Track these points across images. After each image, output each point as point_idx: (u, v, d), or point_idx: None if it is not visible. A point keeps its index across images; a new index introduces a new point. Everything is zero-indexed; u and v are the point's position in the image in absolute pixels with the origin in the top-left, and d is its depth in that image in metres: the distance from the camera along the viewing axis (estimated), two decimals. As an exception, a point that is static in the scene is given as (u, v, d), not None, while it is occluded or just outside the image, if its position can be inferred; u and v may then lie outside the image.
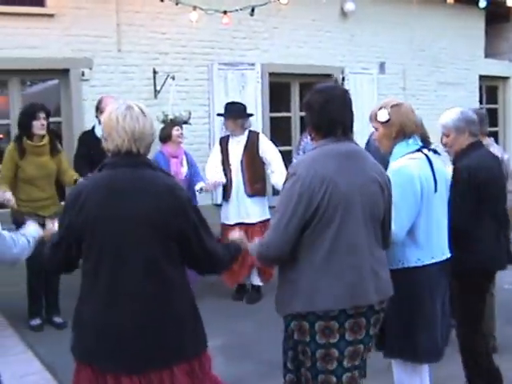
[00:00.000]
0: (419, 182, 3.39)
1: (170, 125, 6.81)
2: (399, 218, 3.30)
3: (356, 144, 3.11)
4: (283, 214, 2.90)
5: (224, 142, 6.82)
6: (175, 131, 6.63)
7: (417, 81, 10.75)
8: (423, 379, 3.66)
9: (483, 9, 10.03)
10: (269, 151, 6.71)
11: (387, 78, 10.28)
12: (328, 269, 2.87)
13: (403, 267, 3.43)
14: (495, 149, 5.02)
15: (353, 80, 9.71)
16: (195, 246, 2.70)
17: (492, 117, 12.33)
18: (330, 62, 9.52)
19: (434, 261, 3.49)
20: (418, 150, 3.51)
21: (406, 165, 3.42)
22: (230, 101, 7.15)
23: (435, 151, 3.63)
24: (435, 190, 3.49)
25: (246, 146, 6.72)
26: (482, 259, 4.07)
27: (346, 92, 3.15)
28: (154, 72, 7.82)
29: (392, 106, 3.51)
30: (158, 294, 2.62)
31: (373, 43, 10.07)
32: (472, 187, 4.01)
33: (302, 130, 8.56)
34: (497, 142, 11.92)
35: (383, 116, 3.51)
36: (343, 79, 9.62)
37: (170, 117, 7.31)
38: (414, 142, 3.53)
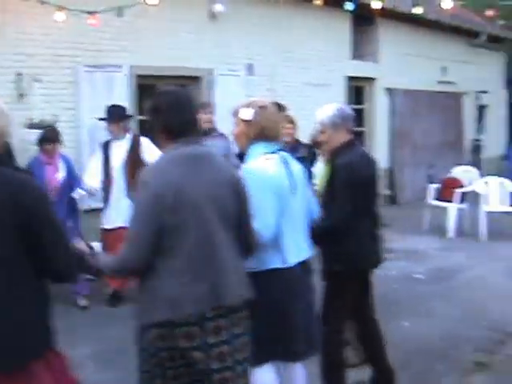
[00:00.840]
0: (275, 182, 3.49)
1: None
2: (262, 217, 3.39)
3: (206, 146, 3.21)
4: (135, 225, 2.96)
5: (105, 147, 7.00)
6: None
7: (284, 82, 11.25)
8: (295, 377, 3.84)
9: (349, 11, 10.71)
10: (151, 154, 6.79)
11: (255, 79, 10.70)
12: (186, 274, 2.93)
13: (265, 269, 3.51)
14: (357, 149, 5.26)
15: (221, 82, 10.07)
16: (43, 247, 2.67)
17: (358, 117, 13.20)
18: (199, 64, 9.77)
19: (295, 261, 3.60)
20: (275, 152, 3.61)
21: (260, 165, 3.51)
22: (110, 104, 7.25)
23: (293, 153, 3.78)
24: (293, 191, 3.60)
25: (128, 149, 6.95)
26: (357, 258, 4.24)
27: (191, 94, 3.32)
28: (18, 75, 7.77)
29: (259, 107, 3.61)
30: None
31: (241, 45, 10.45)
32: (351, 185, 4.10)
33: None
34: (363, 141, 12.77)
35: (247, 114, 3.59)
36: (211, 81, 9.94)
37: (36, 121, 7.36)
38: (272, 145, 3.62)
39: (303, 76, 11.69)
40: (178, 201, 2.89)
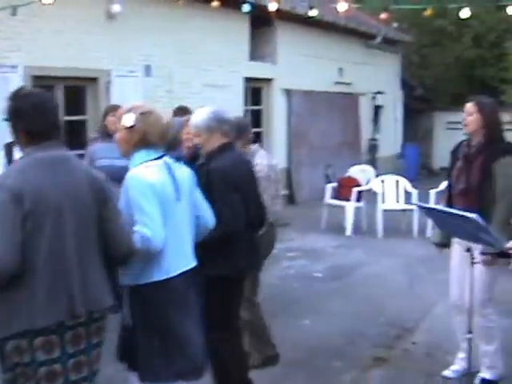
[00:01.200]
0: (157, 189, 3.38)
1: None
2: (151, 225, 3.31)
3: (67, 150, 3.12)
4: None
5: (9, 148, 6.74)
6: None
7: (183, 83, 11.20)
8: None
9: (247, 13, 10.75)
10: None
11: (153, 80, 10.59)
12: (42, 283, 2.83)
13: (146, 282, 3.41)
14: (262, 156, 5.16)
15: (119, 83, 9.91)
16: None
17: (257, 118, 13.31)
18: (96, 65, 9.60)
19: (178, 272, 3.49)
20: (159, 158, 3.52)
21: (142, 172, 3.41)
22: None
23: (179, 159, 3.70)
24: (177, 199, 3.51)
25: None
26: (235, 265, 4.18)
27: (52, 97, 3.21)
28: None
29: (141, 113, 3.52)
30: None
31: (139, 45, 10.32)
32: (225, 190, 4.05)
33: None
34: (261, 142, 12.84)
35: (129, 121, 3.50)
36: (109, 82, 9.79)
37: None
38: (155, 151, 3.52)
39: (202, 77, 11.67)
40: (35, 205, 2.80)
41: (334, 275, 8.14)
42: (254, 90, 13.67)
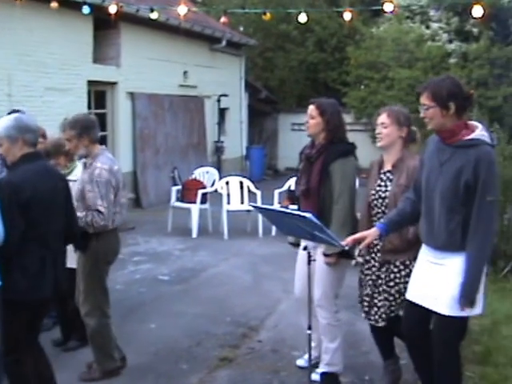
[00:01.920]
0: None
1: None
2: None
3: None
4: None
5: None
6: None
7: (23, 87, 10.84)
8: None
9: (88, 15, 10.56)
10: None
11: (-9, 84, 10.16)
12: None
13: None
14: (103, 160, 4.88)
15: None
16: None
17: (101, 122, 13.02)
18: None
19: None
20: None
21: None
22: None
23: None
24: None
25: None
26: (23, 289, 3.88)
27: None
28: None
29: None
30: None
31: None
32: (17, 207, 3.77)
33: None
34: (106, 146, 12.58)
35: None
36: None
37: None
38: None
39: (44, 80, 11.33)
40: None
41: (181, 278, 8.14)
42: (98, 93, 13.41)
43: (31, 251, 3.89)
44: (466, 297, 3.68)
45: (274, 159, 21.78)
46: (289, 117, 21.33)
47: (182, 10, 9.22)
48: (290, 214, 4.13)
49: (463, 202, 3.68)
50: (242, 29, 21.78)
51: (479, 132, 3.72)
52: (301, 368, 5.19)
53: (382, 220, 4.26)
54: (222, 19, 11.07)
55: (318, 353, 5.08)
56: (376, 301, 4.50)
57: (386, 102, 13.19)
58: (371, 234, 4.11)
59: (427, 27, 20.69)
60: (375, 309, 4.51)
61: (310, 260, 4.22)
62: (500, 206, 7.73)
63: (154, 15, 10.83)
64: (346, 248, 4.15)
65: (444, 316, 3.76)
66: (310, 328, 4.30)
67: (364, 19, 21.37)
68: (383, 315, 4.46)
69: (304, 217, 3.82)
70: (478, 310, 3.79)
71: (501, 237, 7.76)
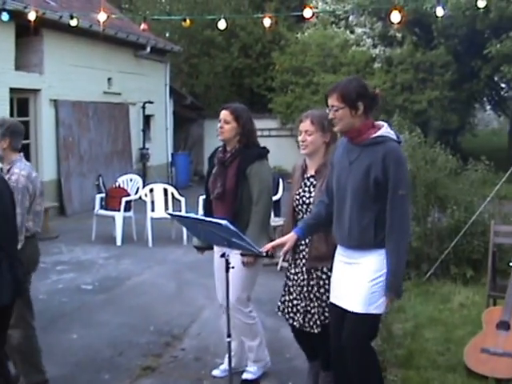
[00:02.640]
0: None
1: None
2: None
3: None
4: None
5: None
6: None
7: None
8: None
9: (9, 22, 10.41)
10: None
11: None
12: None
13: None
14: (21, 166, 4.78)
15: None
16: None
17: (24, 130, 12.77)
18: None
19: None
20: None
21: None
22: None
23: None
24: None
25: None
26: None
27: None
28: None
29: None
30: None
31: None
32: None
33: None
34: (29, 154, 12.44)
35: None
36: None
37: None
38: None
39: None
40: None
41: (104, 286, 8.09)
42: (21, 101, 13.17)
43: None
44: (392, 290, 3.79)
45: (200, 165, 21.76)
46: (214, 123, 20.87)
47: (102, 16, 9.20)
48: (206, 221, 4.16)
49: (374, 198, 3.78)
50: (167, 35, 21.75)
51: (385, 130, 3.86)
52: (217, 378, 5.24)
53: (298, 224, 4.35)
54: (142, 26, 11.09)
55: (234, 363, 5.11)
56: (309, 308, 4.56)
57: (312, 107, 13.43)
58: (289, 239, 4.19)
59: (352, 32, 21.11)
60: (309, 315, 4.57)
61: (228, 267, 4.26)
62: (423, 209, 8.01)
63: (73, 22, 10.75)
64: (264, 254, 4.19)
65: (357, 314, 3.84)
66: (229, 336, 4.35)
67: (289, 24, 21.64)
68: (318, 322, 4.52)
69: (220, 224, 3.88)
70: (383, 307, 3.87)
71: (424, 240, 8.01)
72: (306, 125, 4.54)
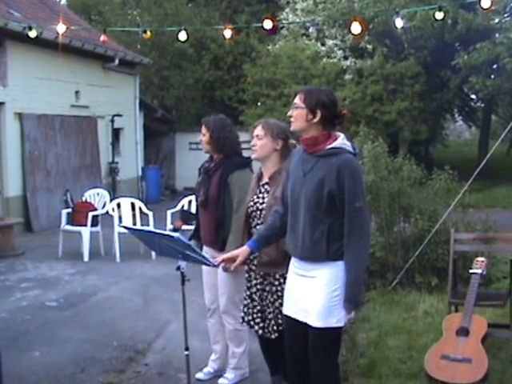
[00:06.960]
0: None
1: None
2: None
3: None
4: None
5: None
6: None
7: None
8: None
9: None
10: None
11: None
12: None
13: None
14: None
15: None
16: None
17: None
18: None
19: None
20: None
21: None
22: None
23: None
24: None
25: None
26: None
27: None
28: None
29: None
30: None
31: None
32: None
33: None
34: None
35: None
36: None
37: None
38: None
39: None
40: None
41: (69, 303, 8.04)
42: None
43: None
44: (350, 301, 3.83)
45: (172, 179, 21.80)
46: (186, 136, 21.38)
47: (61, 28, 9.22)
48: (160, 234, 4.19)
49: (327, 211, 3.79)
50: (138, 47, 21.78)
51: (340, 141, 3.86)
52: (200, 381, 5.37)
53: (252, 237, 4.39)
54: (102, 37, 11.10)
55: (218, 365, 5.43)
56: (266, 313, 4.67)
57: (283, 119, 13.55)
58: (241, 253, 4.19)
59: (323, 44, 21.31)
60: (267, 321, 4.67)
61: (183, 280, 4.29)
62: (387, 219, 8.09)
63: (32, 33, 10.74)
64: (218, 267, 4.30)
65: (316, 328, 3.85)
66: (187, 349, 4.38)
67: (260, 37, 21.79)
68: (274, 327, 4.60)
69: (172, 237, 3.93)
70: (344, 319, 3.91)
71: (389, 250, 8.08)
72: (257, 130, 4.72)
